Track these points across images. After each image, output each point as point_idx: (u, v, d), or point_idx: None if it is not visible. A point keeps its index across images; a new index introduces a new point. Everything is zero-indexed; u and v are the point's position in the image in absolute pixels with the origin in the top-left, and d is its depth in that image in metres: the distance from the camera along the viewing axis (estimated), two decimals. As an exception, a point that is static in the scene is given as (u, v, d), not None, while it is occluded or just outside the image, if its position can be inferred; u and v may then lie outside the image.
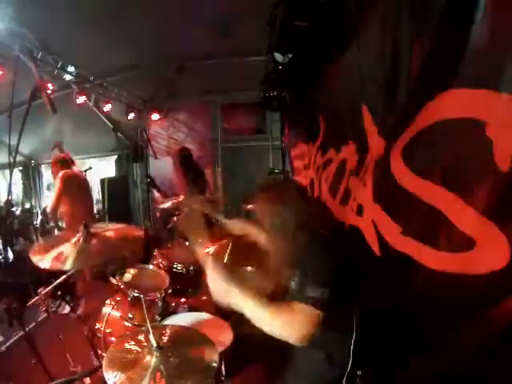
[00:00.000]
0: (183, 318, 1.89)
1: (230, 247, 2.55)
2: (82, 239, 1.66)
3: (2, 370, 2.44)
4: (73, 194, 3.73)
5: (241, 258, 2.56)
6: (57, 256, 1.55)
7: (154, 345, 1.25)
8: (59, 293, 2.33)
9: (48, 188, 7.86)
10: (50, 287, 1.92)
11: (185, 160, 4.06)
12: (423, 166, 1.23)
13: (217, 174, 6.32)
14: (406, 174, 1.31)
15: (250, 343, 1.74)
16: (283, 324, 1.29)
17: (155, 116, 6.24)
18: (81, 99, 4.49)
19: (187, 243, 2.73)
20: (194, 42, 3.95)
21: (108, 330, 2.02)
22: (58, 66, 4.00)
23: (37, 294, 1.91)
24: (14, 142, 2.30)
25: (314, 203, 1.79)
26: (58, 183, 3.70)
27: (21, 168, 6.93)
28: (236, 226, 2.18)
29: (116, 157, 7.19)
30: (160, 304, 2.08)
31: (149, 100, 6.21)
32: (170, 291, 2.21)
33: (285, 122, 5.15)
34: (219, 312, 2.06)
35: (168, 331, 1.43)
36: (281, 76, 3.06)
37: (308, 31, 2.07)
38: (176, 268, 2.39)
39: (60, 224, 3.95)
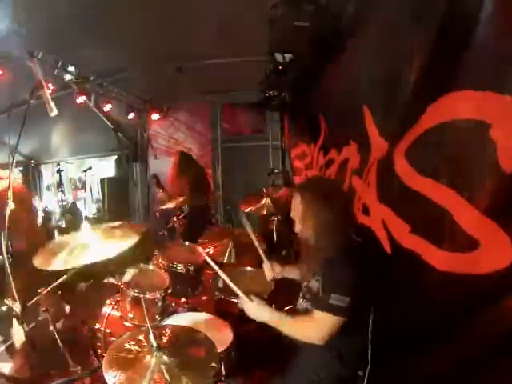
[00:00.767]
0: (183, 318, 1.89)
1: (230, 247, 2.55)
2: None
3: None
4: None
5: (241, 257, 2.56)
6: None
7: (154, 345, 1.25)
8: (59, 293, 2.32)
9: (48, 188, 7.87)
10: (49, 287, 1.91)
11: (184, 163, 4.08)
12: (428, 166, 1.23)
13: (217, 174, 6.31)
14: (412, 173, 1.32)
15: (254, 343, 1.75)
16: (304, 327, 1.43)
17: (155, 116, 6.24)
18: (81, 99, 4.48)
19: (187, 243, 2.73)
20: (193, 41, 3.95)
21: (108, 330, 2.02)
22: (58, 66, 4.00)
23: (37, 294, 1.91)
24: (13, 142, 2.30)
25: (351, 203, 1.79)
26: None
27: (21, 168, 6.93)
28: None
29: (116, 157, 7.19)
30: (160, 304, 2.08)
31: (149, 100, 6.21)
32: (170, 291, 2.21)
33: (285, 122, 5.15)
34: (219, 312, 2.06)
35: (168, 331, 1.43)
36: (281, 76, 3.07)
37: (308, 31, 2.07)
38: (176, 268, 2.39)
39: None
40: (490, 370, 0.97)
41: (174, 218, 3.17)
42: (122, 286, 2.05)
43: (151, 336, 1.26)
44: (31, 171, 7.17)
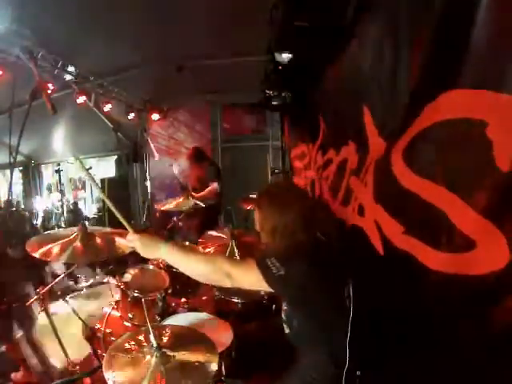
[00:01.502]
0: (183, 318, 1.89)
1: (230, 247, 2.55)
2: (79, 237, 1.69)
3: (2, 369, 2.44)
4: None
5: (241, 257, 2.56)
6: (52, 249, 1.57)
7: (154, 345, 1.25)
8: (59, 293, 2.33)
9: (48, 188, 7.88)
10: (49, 286, 1.92)
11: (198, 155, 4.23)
12: (424, 166, 1.23)
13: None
14: (407, 173, 1.31)
15: (254, 343, 1.75)
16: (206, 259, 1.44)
17: (155, 116, 6.24)
18: (81, 99, 4.49)
19: (187, 243, 2.73)
20: (193, 41, 3.95)
21: (108, 330, 2.02)
22: (58, 66, 4.01)
23: (36, 294, 1.91)
24: (14, 142, 2.31)
25: (315, 205, 1.78)
26: None
27: (21, 168, 6.94)
28: None
29: (116, 157, 7.19)
30: (160, 304, 2.08)
31: (149, 100, 6.21)
32: (170, 291, 2.21)
33: (285, 122, 5.15)
34: (219, 312, 2.06)
35: (168, 331, 1.44)
36: (281, 76, 3.06)
37: (308, 31, 2.07)
38: (176, 268, 2.38)
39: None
40: (487, 371, 0.97)
41: (174, 218, 3.17)
42: (122, 286, 2.05)
43: (151, 336, 1.27)
44: (31, 171, 7.18)
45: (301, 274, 1.32)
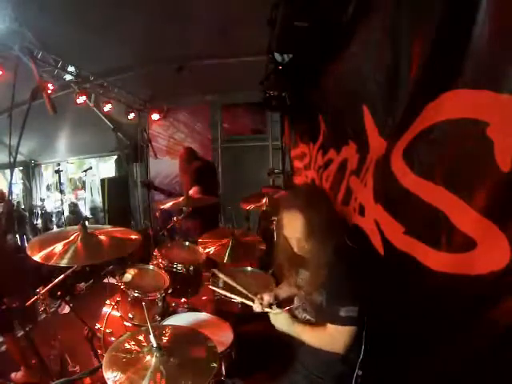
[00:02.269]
0: (183, 318, 1.89)
1: (230, 247, 2.55)
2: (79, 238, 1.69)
3: (2, 369, 2.44)
4: None
5: (241, 257, 2.56)
6: (52, 252, 1.57)
7: (154, 345, 1.25)
8: (59, 293, 2.33)
9: (48, 188, 7.87)
10: (49, 286, 1.92)
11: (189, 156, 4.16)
12: (424, 166, 1.23)
13: (217, 174, 6.32)
14: (407, 174, 1.31)
15: (254, 343, 1.75)
16: (322, 340, 1.47)
17: (155, 116, 6.25)
18: (81, 99, 4.49)
19: (187, 243, 2.73)
20: (193, 41, 3.95)
21: (108, 330, 2.02)
22: (58, 66, 4.01)
23: (36, 294, 1.91)
24: (14, 142, 2.30)
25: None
26: None
27: (21, 168, 6.93)
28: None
29: (116, 157, 7.19)
30: (160, 304, 2.08)
31: (149, 100, 6.21)
32: (170, 291, 2.21)
33: (285, 122, 5.15)
34: (219, 312, 2.06)
35: (168, 331, 1.43)
36: (281, 76, 3.06)
37: (308, 31, 2.07)
38: (176, 268, 2.39)
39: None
40: (487, 370, 0.97)
41: (174, 218, 3.17)
42: (122, 286, 2.05)
43: (151, 336, 1.27)
44: (31, 171, 7.17)
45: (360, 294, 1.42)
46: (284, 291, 1.85)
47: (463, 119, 1.02)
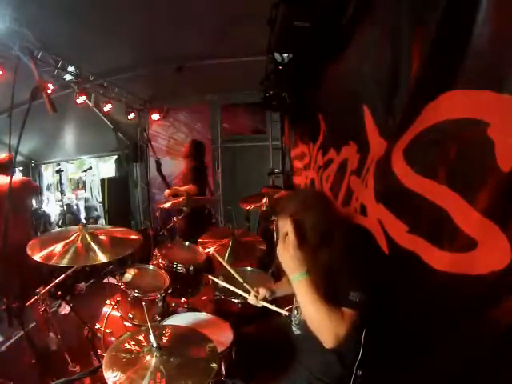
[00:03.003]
0: (183, 318, 1.89)
1: (230, 247, 2.55)
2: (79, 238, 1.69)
3: (2, 369, 2.44)
4: None
5: (241, 257, 2.56)
6: (52, 252, 1.57)
7: (154, 345, 1.25)
8: (59, 293, 2.33)
9: (48, 188, 7.88)
10: (49, 286, 1.92)
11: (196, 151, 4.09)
12: (426, 166, 1.23)
13: (217, 174, 6.32)
14: (409, 173, 1.31)
15: (254, 343, 1.75)
16: (327, 311, 1.28)
17: (155, 116, 6.25)
18: (81, 99, 4.50)
19: (187, 243, 2.73)
20: (193, 41, 3.95)
21: (108, 330, 2.02)
22: (58, 66, 4.01)
23: (36, 294, 1.91)
24: (14, 142, 2.31)
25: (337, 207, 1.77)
26: None
27: (21, 168, 6.94)
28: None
29: (116, 157, 7.20)
30: (160, 304, 2.08)
31: (149, 100, 6.21)
32: (170, 291, 2.21)
33: (285, 121, 5.14)
34: (219, 312, 2.06)
35: (168, 331, 1.43)
36: (281, 76, 3.06)
37: (308, 31, 2.07)
38: (176, 268, 2.39)
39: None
40: (488, 370, 0.97)
41: (174, 218, 3.17)
42: (122, 286, 2.05)
43: (151, 336, 1.26)
44: (31, 171, 7.18)
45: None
46: (283, 289, 1.84)
47: (464, 119, 1.02)
